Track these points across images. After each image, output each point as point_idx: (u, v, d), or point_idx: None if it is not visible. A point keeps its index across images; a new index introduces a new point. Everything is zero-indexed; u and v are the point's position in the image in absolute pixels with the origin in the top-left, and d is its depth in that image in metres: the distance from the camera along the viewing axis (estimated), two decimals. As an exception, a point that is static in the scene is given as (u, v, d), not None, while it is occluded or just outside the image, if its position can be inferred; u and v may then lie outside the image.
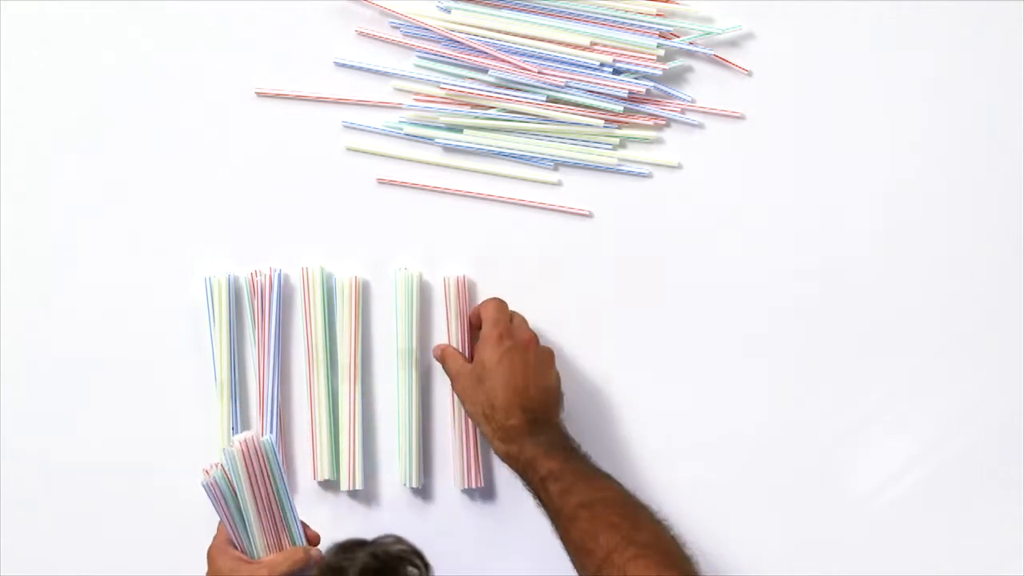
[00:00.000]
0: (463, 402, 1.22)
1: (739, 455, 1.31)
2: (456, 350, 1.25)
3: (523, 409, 1.16)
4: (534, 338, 1.22)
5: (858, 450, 1.31)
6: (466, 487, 1.30)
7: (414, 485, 1.30)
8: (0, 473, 1.30)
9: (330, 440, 1.29)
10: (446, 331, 1.29)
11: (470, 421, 1.28)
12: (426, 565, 1.02)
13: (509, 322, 1.22)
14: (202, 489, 1.08)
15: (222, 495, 1.08)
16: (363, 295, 1.30)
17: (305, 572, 1.09)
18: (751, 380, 1.31)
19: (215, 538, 1.12)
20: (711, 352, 1.31)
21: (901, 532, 1.31)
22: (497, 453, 1.19)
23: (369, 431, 1.30)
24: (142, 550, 1.30)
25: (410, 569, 1.01)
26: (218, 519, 1.11)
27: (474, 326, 1.26)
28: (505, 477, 1.30)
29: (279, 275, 1.29)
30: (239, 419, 1.29)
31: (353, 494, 1.30)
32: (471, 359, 1.23)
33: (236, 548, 1.10)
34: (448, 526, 1.30)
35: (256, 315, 1.29)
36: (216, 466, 1.08)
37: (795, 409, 1.31)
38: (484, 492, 1.31)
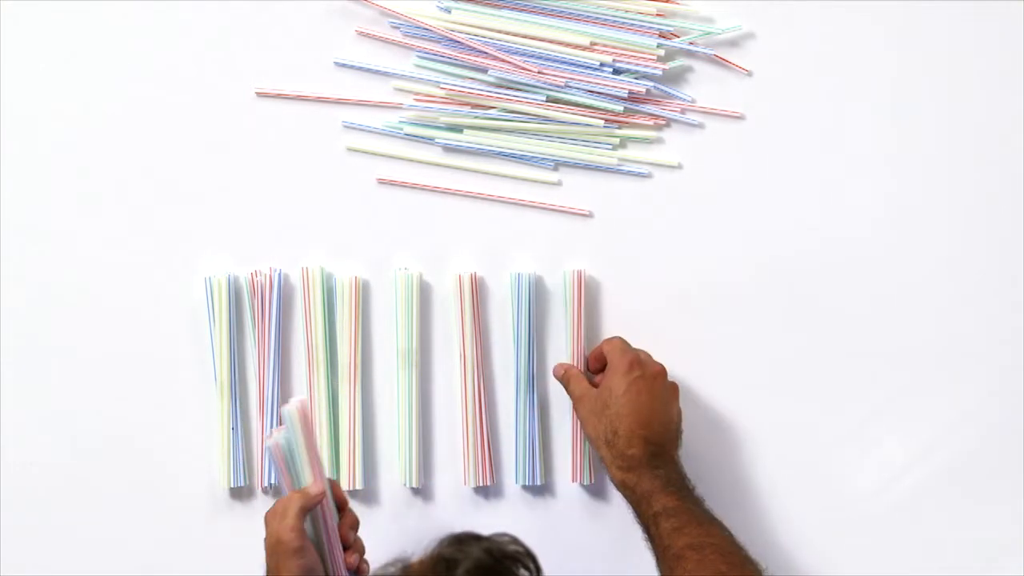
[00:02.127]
0: (583, 424, 1.20)
1: (739, 455, 1.31)
2: (581, 372, 1.23)
3: (645, 440, 1.14)
4: (663, 371, 1.20)
5: (858, 450, 1.31)
6: (478, 485, 1.30)
7: (414, 485, 1.30)
8: (0, 473, 1.30)
9: (330, 440, 1.29)
10: (459, 329, 1.29)
11: (482, 419, 1.28)
12: (538, 569, 1.01)
13: (637, 353, 1.21)
14: (267, 451, 1.07)
15: (284, 456, 1.06)
16: (363, 295, 1.30)
17: (316, 506, 1.07)
18: (751, 380, 1.31)
19: (272, 508, 1.09)
20: (710, 352, 1.31)
21: (901, 532, 1.31)
22: (613, 480, 1.17)
23: (369, 431, 1.30)
24: (142, 549, 1.30)
25: (522, 572, 1.00)
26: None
27: (591, 367, 1.26)
28: (509, 476, 1.30)
29: (279, 275, 1.29)
30: (239, 419, 1.29)
31: (353, 494, 1.30)
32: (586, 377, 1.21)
33: None
34: (449, 526, 1.30)
35: (256, 315, 1.29)
36: (278, 430, 1.07)
37: (795, 409, 1.31)
38: (485, 492, 1.31)
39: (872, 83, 1.30)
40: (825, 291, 1.31)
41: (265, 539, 1.07)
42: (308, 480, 1.07)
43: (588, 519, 1.31)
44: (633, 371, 1.17)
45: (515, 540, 1.03)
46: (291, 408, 1.07)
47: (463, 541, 1.01)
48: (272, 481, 1.29)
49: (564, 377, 1.24)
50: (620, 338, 1.24)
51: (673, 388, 1.22)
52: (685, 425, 1.27)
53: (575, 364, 1.27)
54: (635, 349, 1.23)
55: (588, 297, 1.30)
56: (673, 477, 1.14)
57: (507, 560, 1.00)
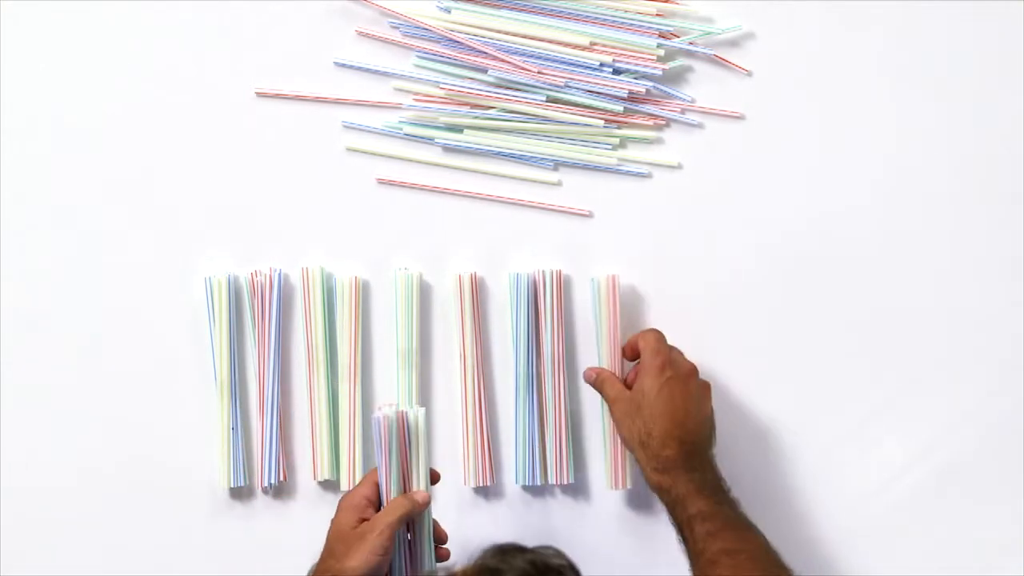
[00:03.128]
0: (618, 427, 1.19)
1: (738, 455, 1.31)
2: (614, 374, 1.22)
3: (680, 440, 1.14)
4: (694, 370, 1.20)
5: (858, 450, 1.31)
6: (478, 485, 1.30)
7: (414, 485, 1.30)
8: (0, 473, 1.30)
9: (330, 440, 1.29)
10: (459, 329, 1.29)
11: (482, 419, 1.28)
12: None
13: (669, 352, 1.20)
14: (374, 423, 1.10)
15: (387, 436, 1.10)
16: (363, 295, 1.30)
17: (415, 516, 1.12)
18: (751, 380, 1.31)
19: (350, 492, 1.14)
20: (710, 352, 1.30)
21: (901, 532, 1.30)
22: (648, 482, 1.16)
23: (369, 431, 1.30)
24: (142, 549, 1.30)
25: None
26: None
27: (627, 356, 1.24)
28: (509, 476, 1.30)
29: (279, 275, 1.29)
30: (239, 419, 1.29)
31: (353, 494, 1.30)
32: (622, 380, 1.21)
33: (374, 495, 1.12)
34: (448, 526, 1.30)
35: (256, 315, 1.29)
36: (391, 406, 1.10)
37: (795, 409, 1.31)
38: (484, 492, 1.31)
39: (872, 83, 1.30)
40: (825, 291, 1.31)
41: (340, 522, 1.10)
42: (418, 480, 1.12)
43: (588, 519, 1.31)
44: (665, 372, 1.16)
45: (559, 554, 1.03)
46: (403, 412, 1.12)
47: (507, 552, 1.01)
48: (272, 482, 1.29)
49: (597, 380, 1.23)
50: (655, 332, 1.22)
51: (705, 387, 1.21)
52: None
53: (608, 365, 1.24)
54: (668, 346, 1.21)
55: (589, 295, 1.30)
56: (708, 479, 1.14)
57: (550, 573, 1.00)
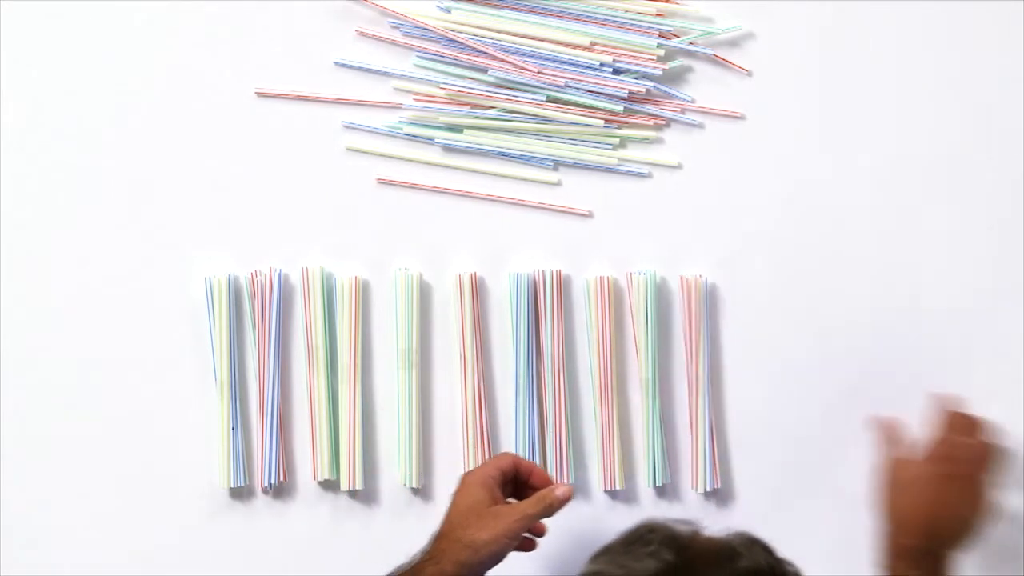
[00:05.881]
0: (885, 488, 1.14)
1: (739, 455, 1.31)
2: (903, 438, 1.14)
3: (926, 535, 1.10)
4: (975, 470, 1.11)
5: (859, 450, 1.31)
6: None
7: (414, 485, 1.30)
8: (0, 472, 1.30)
9: (330, 440, 1.29)
10: (459, 329, 1.29)
11: (482, 419, 1.29)
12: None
13: (955, 444, 1.12)
14: None
15: None
16: (363, 295, 1.30)
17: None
18: (750, 380, 1.31)
19: (475, 470, 1.14)
20: (709, 352, 1.30)
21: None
22: (878, 552, 1.13)
23: (369, 431, 1.30)
24: (142, 549, 1.30)
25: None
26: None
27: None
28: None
29: (279, 275, 1.29)
30: (239, 419, 1.29)
31: (353, 494, 1.30)
32: None
33: (500, 478, 1.12)
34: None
35: (256, 315, 1.29)
36: None
37: (795, 409, 1.31)
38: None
39: (871, 82, 1.30)
40: (825, 291, 1.31)
41: (474, 497, 1.10)
42: None
43: (587, 519, 1.30)
44: (943, 465, 1.11)
45: (799, 572, 1.01)
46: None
47: (755, 543, 0.99)
48: (272, 482, 1.29)
49: (885, 436, 1.15)
50: (956, 415, 1.14)
51: (981, 487, 1.12)
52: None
53: None
54: (958, 436, 1.12)
55: (585, 299, 1.30)
56: None
57: (782, 566, 0.98)
